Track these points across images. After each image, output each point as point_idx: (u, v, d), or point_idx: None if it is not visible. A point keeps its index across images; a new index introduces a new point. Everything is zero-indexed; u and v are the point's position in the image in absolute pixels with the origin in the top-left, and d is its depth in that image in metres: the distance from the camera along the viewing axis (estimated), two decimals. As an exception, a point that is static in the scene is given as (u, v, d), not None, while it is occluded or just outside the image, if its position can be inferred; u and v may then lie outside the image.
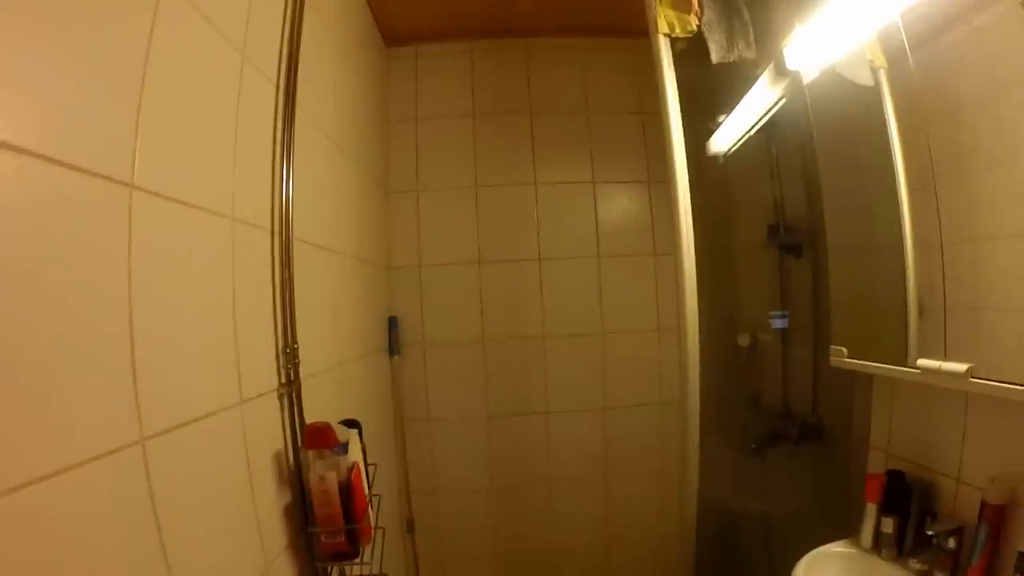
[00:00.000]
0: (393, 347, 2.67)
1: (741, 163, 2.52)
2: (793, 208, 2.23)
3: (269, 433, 1.31)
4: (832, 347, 1.74)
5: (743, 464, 2.41)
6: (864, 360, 1.64)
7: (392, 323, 2.68)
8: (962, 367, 1.25)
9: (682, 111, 1.74)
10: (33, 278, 0.68)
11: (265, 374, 1.30)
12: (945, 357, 1.34)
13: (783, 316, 2.34)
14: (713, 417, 2.04)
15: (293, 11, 1.50)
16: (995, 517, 1.23)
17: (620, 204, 2.88)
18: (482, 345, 2.78)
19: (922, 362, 1.38)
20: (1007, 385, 1.15)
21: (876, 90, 1.54)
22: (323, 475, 1.31)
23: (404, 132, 2.80)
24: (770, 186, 2.34)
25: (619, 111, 2.86)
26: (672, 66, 1.75)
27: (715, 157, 2.55)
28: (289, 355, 1.38)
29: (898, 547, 1.47)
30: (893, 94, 1.51)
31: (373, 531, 1.55)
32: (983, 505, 1.25)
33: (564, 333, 2.81)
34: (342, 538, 1.36)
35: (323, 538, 1.36)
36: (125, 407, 0.83)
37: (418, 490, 2.76)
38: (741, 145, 2.42)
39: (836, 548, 1.56)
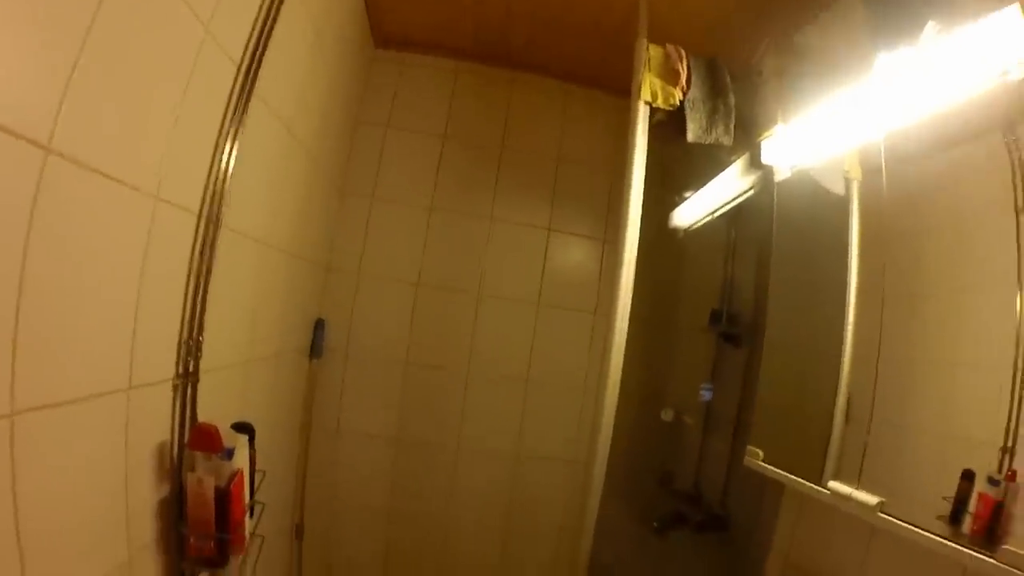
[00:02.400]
0: (315, 349, 2.58)
1: (698, 242, 2.53)
2: (740, 297, 2.24)
3: (156, 423, 1.23)
4: (749, 447, 1.72)
5: (643, 539, 2.39)
6: (778, 468, 1.62)
7: (319, 325, 2.59)
8: (872, 499, 1.24)
9: (649, 179, 1.73)
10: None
11: (161, 362, 1.22)
12: (860, 478, 1.33)
13: (709, 390, 2.34)
14: (621, 485, 2.01)
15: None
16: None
17: (571, 256, 2.86)
18: (404, 367, 2.72)
19: (833, 485, 1.37)
20: (913, 528, 1.14)
21: (845, 199, 1.56)
22: (202, 478, 1.25)
23: (372, 135, 2.75)
24: (722, 270, 2.36)
25: (589, 164, 2.86)
26: (646, 134, 1.74)
27: (674, 230, 2.55)
28: (191, 346, 1.30)
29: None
30: (861, 207, 1.53)
31: (247, 541, 1.48)
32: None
33: (489, 373, 2.77)
34: (211, 544, 1.29)
35: (192, 540, 1.28)
36: None
37: (314, 497, 2.65)
38: (702, 224, 2.43)
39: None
